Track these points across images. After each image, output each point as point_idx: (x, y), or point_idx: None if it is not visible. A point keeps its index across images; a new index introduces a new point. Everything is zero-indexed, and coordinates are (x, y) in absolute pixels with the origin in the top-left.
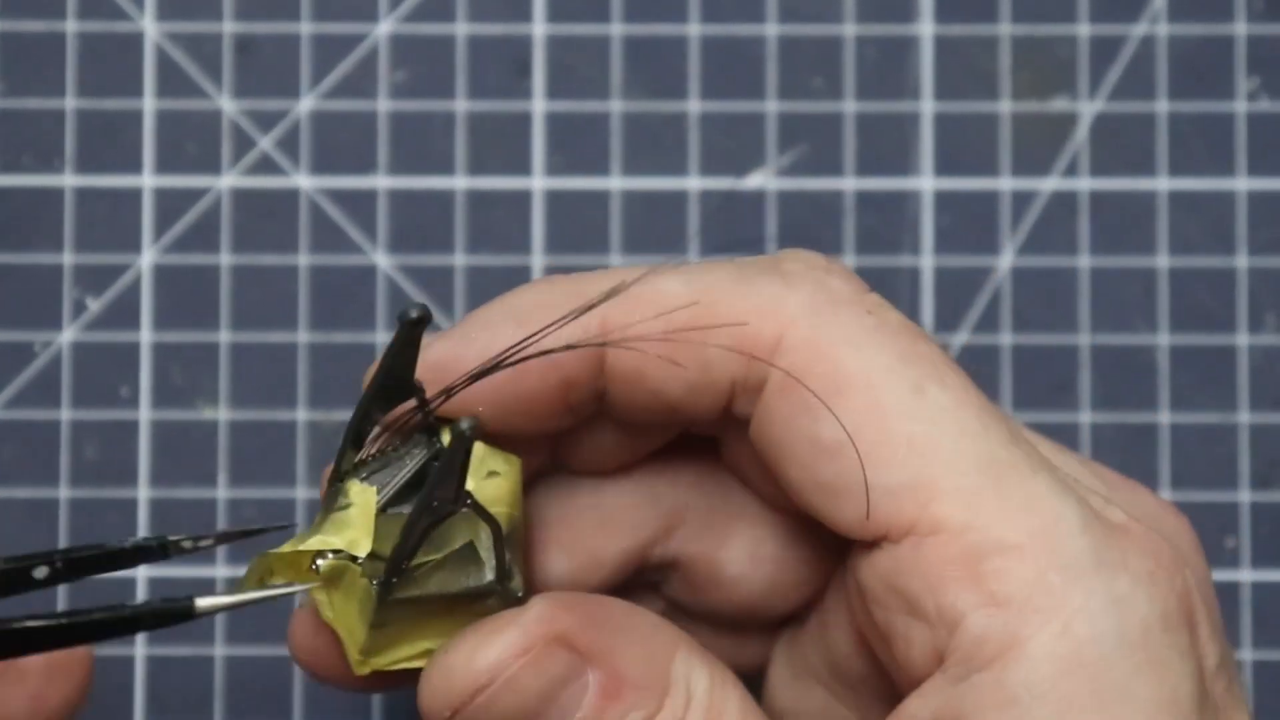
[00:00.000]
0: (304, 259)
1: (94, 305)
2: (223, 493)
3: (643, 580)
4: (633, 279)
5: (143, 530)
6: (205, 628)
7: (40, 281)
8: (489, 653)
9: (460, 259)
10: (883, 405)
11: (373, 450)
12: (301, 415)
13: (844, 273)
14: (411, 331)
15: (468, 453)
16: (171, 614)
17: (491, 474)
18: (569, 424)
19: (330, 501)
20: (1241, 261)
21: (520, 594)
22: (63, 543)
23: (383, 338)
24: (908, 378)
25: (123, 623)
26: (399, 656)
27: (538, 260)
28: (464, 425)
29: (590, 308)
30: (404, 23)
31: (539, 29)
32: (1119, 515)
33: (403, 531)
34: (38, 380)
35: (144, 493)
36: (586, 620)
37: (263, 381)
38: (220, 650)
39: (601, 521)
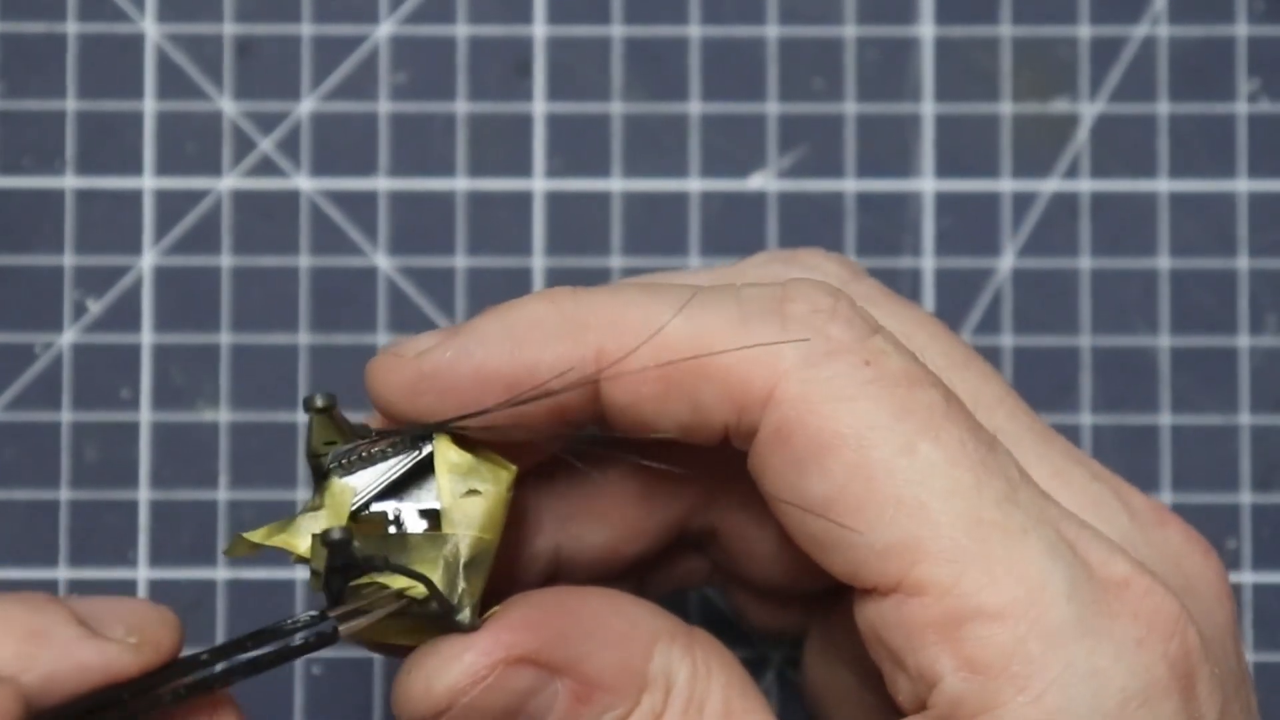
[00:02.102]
0: (304, 261)
1: (94, 307)
2: (223, 494)
3: (686, 543)
4: (631, 345)
5: (143, 533)
6: (206, 631)
7: (41, 283)
8: (445, 678)
9: (461, 260)
10: (870, 464)
11: (359, 449)
12: (302, 417)
13: (848, 316)
14: (319, 417)
15: (347, 556)
16: (320, 640)
17: (472, 492)
18: (567, 435)
19: (314, 491)
20: (1242, 263)
21: (468, 625)
22: (63, 545)
23: (383, 339)
24: (899, 434)
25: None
26: (372, 636)
27: (538, 262)
28: (333, 536)
29: (579, 385)
30: (404, 24)
31: (539, 30)
32: (1120, 569)
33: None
34: (38, 382)
35: (144, 494)
36: (551, 636)
37: (263, 383)
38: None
39: (641, 492)
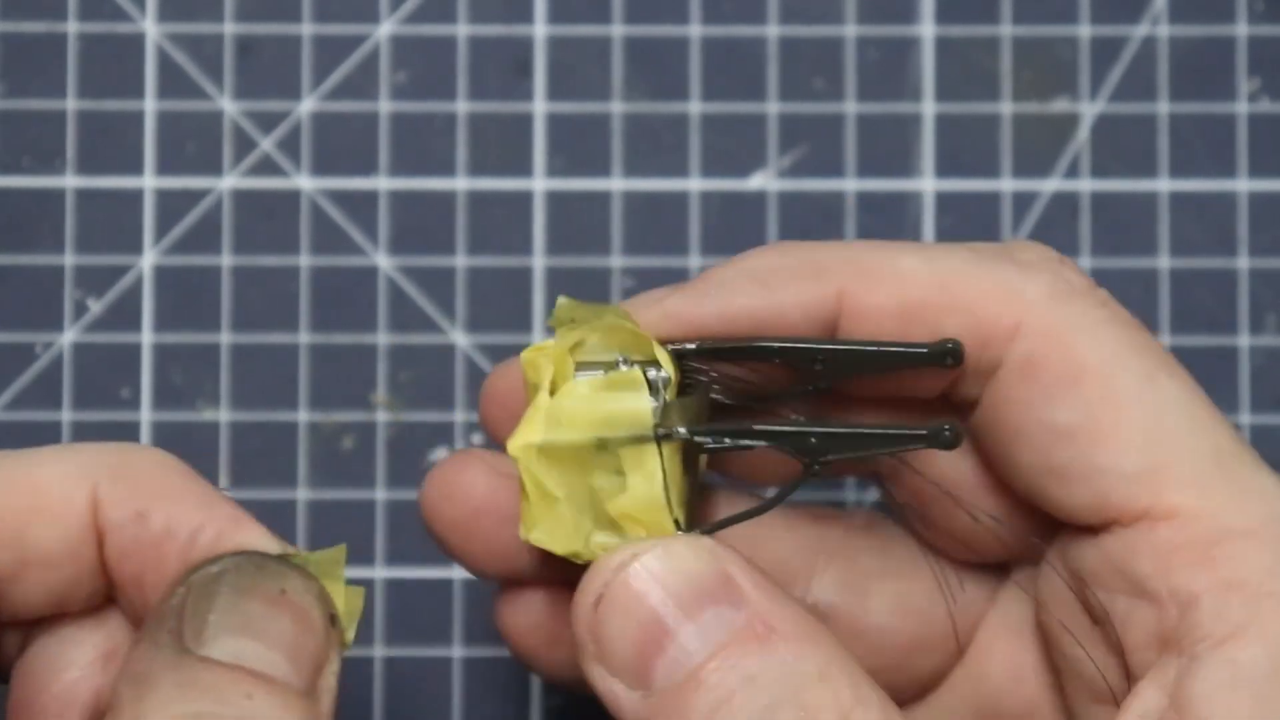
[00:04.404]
0: (305, 260)
1: (95, 306)
2: None
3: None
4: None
5: None
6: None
7: (41, 283)
8: (635, 544)
9: (461, 260)
10: (1118, 393)
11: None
12: (302, 416)
13: (1074, 265)
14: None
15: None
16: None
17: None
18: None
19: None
20: (1242, 263)
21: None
22: None
23: (384, 339)
24: (1141, 367)
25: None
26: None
27: (539, 261)
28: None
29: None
30: (405, 24)
31: (540, 30)
32: None
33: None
34: (39, 381)
35: None
36: (751, 566)
37: (263, 383)
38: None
39: (746, 542)
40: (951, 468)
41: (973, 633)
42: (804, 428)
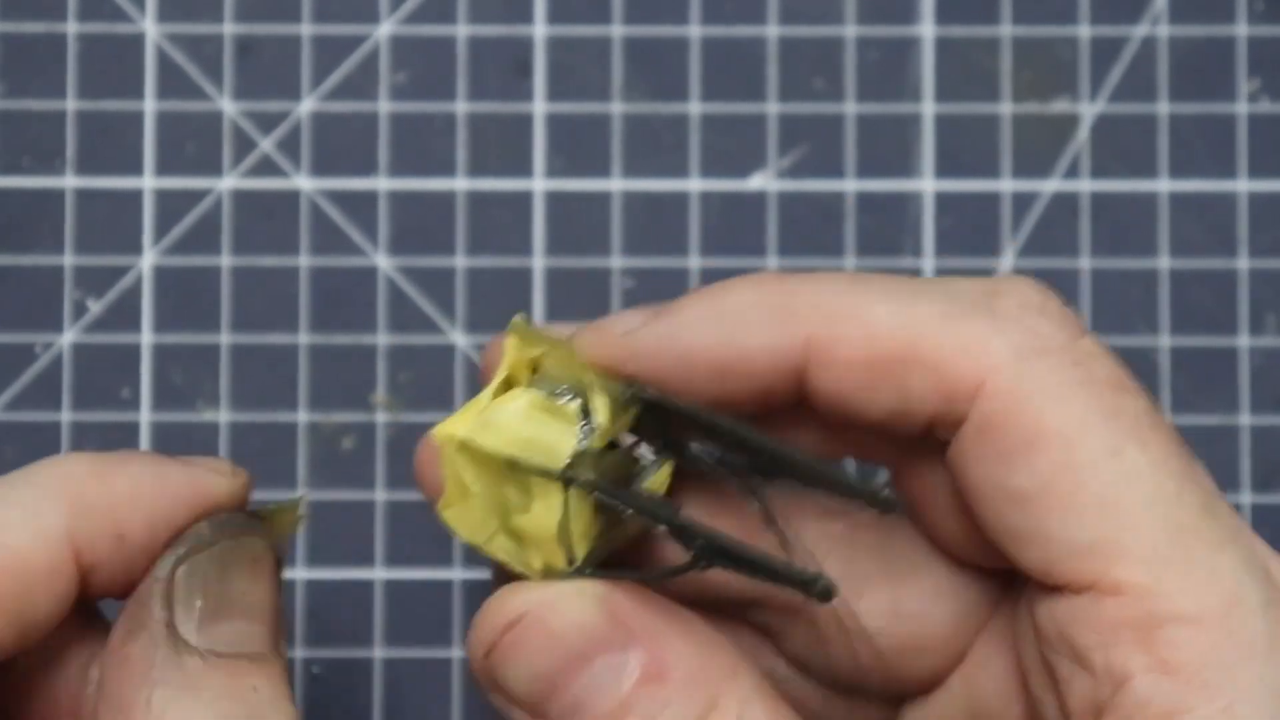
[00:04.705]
0: (305, 260)
1: (95, 307)
2: None
3: (763, 626)
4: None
5: None
6: None
7: (41, 283)
8: (523, 594)
9: (461, 260)
10: (1077, 462)
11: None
12: (302, 417)
13: (1059, 315)
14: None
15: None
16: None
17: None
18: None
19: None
20: (1243, 263)
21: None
22: None
23: (383, 339)
24: (1106, 435)
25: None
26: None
27: (538, 262)
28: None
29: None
30: (405, 24)
31: (539, 30)
32: None
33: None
34: (38, 382)
35: None
36: (639, 600)
37: (263, 383)
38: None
39: (736, 531)
40: (938, 490)
41: (974, 638)
42: (695, 528)
